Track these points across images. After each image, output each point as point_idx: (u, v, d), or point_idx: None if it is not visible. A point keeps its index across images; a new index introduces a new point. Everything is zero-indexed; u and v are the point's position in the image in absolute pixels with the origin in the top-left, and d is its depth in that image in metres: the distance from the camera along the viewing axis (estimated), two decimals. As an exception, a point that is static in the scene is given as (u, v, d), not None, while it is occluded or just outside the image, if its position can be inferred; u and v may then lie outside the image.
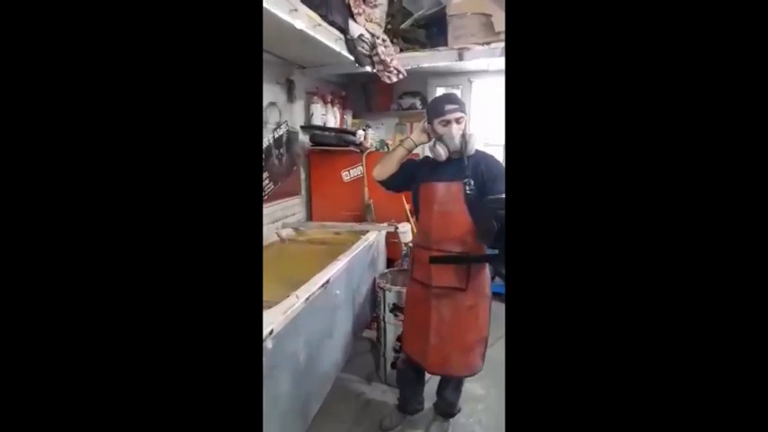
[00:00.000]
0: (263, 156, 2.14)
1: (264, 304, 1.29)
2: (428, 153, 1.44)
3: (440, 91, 3.03)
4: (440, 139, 1.36)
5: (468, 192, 1.34)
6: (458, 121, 1.35)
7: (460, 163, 1.37)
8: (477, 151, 1.38)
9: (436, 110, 1.38)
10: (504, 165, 1.35)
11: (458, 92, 2.97)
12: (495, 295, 1.51)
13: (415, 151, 1.48)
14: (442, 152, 1.35)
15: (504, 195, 1.15)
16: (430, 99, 3.01)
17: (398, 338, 1.84)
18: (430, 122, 1.40)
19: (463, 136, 1.34)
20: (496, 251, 1.29)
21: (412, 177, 1.47)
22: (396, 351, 1.87)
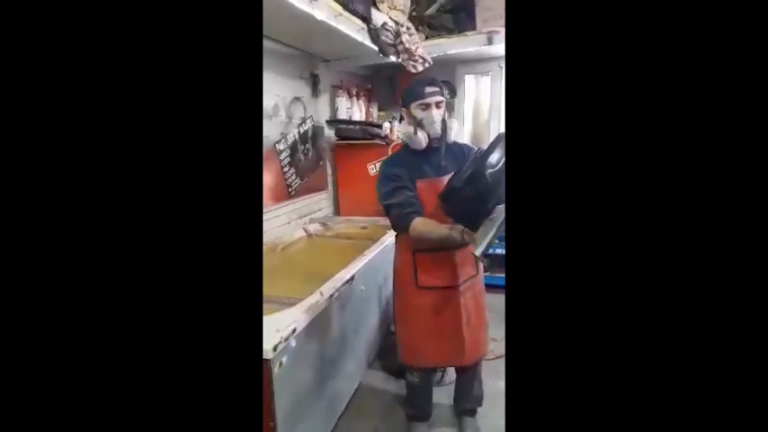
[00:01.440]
0: (290, 151, 2.14)
1: (288, 301, 1.29)
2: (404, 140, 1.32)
3: (468, 79, 2.92)
4: (419, 124, 1.24)
5: None
6: (437, 105, 1.23)
7: (450, 152, 1.29)
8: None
9: (415, 92, 1.25)
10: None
11: (487, 78, 2.84)
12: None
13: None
14: (422, 139, 1.23)
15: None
16: (458, 88, 2.91)
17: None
18: (406, 107, 1.28)
19: (443, 121, 1.23)
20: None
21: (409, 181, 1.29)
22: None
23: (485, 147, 1.09)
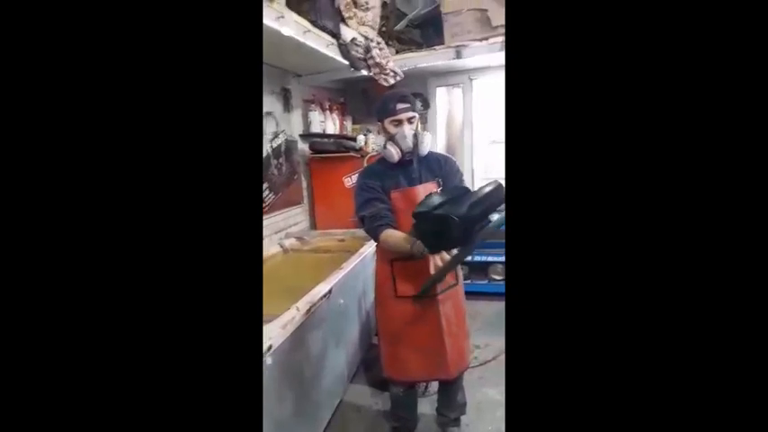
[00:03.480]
0: (262, 166, 2.12)
1: (264, 318, 1.26)
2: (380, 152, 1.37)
3: (440, 91, 2.99)
4: (391, 138, 1.29)
5: (440, 191, 1.29)
6: (410, 120, 1.28)
7: (424, 163, 1.34)
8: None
9: (386, 109, 1.28)
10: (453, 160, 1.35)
11: (459, 90, 2.92)
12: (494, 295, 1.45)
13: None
14: (394, 152, 1.27)
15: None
16: (431, 100, 2.98)
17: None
18: (380, 121, 1.32)
19: (415, 136, 1.28)
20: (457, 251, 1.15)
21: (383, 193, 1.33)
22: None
23: (477, 190, 1.10)
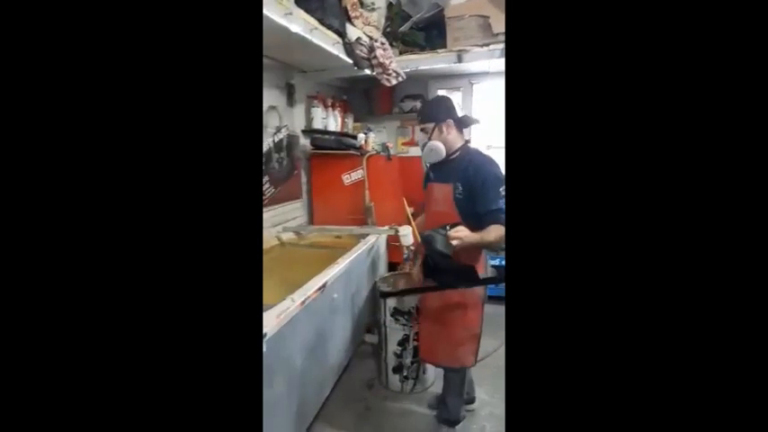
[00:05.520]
0: (264, 160, 2.15)
1: (259, 307, 1.29)
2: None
3: (441, 94, 3.03)
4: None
5: (457, 195, 1.37)
6: (423, 130, 1.44)
7: (451, 165, 1.41)
8: (472, 153, 1.41)
9: (467, 120, 1.48)
10: (496, 168, 1.36)
11: (458, 94, 2.96)
12: (492, 298, 1.49)
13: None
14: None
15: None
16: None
17: (399, 343, 1.82)
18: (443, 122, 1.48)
19: (425, 145, 1.43)
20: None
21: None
22: (397, 356, 1.84)
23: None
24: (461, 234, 1.23)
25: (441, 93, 3.01)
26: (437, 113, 1.41)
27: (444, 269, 1.28)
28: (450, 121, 1.40)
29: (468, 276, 1.31)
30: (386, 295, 1.78)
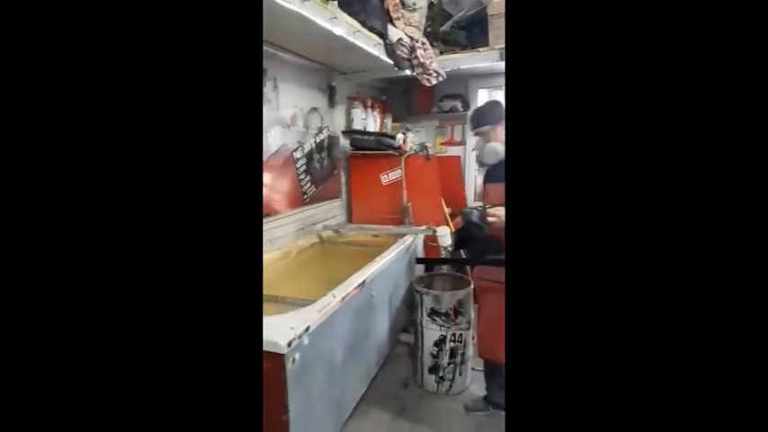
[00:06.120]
0: (306, 160, 2.22)
1: (302, 303, 1.33)
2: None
3: (481, 93, 2.98)
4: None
5: None
6: (476, 134, 1.61)
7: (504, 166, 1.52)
8: None
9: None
10: None
11: (501, 92, 2.90)
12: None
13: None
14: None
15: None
16: (471, 101, 2.97)
17: (436, 344, 1.82)
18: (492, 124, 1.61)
19: (482, 148, 1.57)
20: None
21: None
22: (433, 356, 1.84)
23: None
24: (499, 212, 1.35)
25: (481, 92, 2.97)
26: (491, 117, 1.52)
27: (475, 237, 1.44)
28: (504, 123, 1.47)
29: (495, 248, 1.43)
30: (421, 261, 2.07)
